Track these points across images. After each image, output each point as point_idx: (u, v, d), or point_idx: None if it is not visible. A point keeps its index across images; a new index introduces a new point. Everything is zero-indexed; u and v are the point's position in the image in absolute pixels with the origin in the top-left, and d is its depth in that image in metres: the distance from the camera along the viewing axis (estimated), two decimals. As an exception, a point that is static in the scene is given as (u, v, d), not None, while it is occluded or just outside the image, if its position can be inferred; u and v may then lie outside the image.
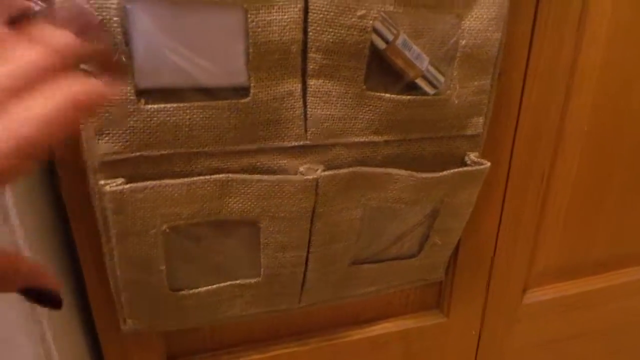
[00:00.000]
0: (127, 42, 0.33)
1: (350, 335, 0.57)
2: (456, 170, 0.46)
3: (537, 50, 0.48)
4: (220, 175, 0.39)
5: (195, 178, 0.39)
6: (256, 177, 0.40)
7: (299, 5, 0.36)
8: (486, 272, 0.60)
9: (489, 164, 0.47)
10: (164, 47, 0.34)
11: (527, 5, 0.46)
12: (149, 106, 0.36)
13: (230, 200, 0.40)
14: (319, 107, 0.40)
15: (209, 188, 0.39)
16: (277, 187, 0.41)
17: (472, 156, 0.47)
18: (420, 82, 0.42)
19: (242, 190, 0.40)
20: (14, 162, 0.19)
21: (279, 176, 0.41)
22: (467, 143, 0.47)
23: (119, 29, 0.32)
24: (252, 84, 0.37)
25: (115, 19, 0.32)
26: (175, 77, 0.36)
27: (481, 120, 0.46)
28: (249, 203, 0.41)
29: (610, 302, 0.65)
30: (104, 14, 0.32)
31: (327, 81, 0.40)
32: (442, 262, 0.54)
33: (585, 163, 0.54)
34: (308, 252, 0.46)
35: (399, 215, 0.48)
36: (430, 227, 0.50)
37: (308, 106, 0.40)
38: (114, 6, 0.32)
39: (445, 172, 0.45)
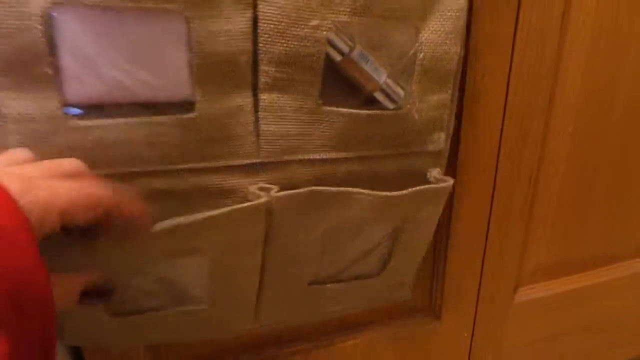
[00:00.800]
0: (53, 52, 0.30)
1: (341, 342, 0.55)
2: (418, 188, 0.44)
3: (520, 51, 0.47)
4: (165, 224, 0.35)
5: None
6: (200, 215, 0.36)
7: (247, 15, 0.34)
8: (477, 273, 0.59)
9: (452, 181, 0.45)
10: (96, 58, 0.31)
11: (509, 6, 0.45)
12: (83, 122, 0.33)
13: (175, 232, 0.36)
14: (272, 123, 0.38)
15: (153, 239, 0.35)
16: (226, 214, 0.38)
17: (435, 173, 0.46)
18: (378, 96, 0.40)
19: (187, 230, 0.37)
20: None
21: (226, 208, 0.37)
22: (430, 159, 0.46)
23: (42, 38, 0.29)
24: (197, 98, 0.35)
25: (38, 27, 0.29)
26: (110, 90, 0.32)
27: (442, 135, 0.44)
28: (197, 233, 0.37)
29: (601, 299, 0.65)
30: (25, 22, 0.28)
31: (281, 95, 0.37)
32: (407, 280, 0.52)
33: (571, 164, 0.54)
34: (262, 275, 0.43)
35: (360, 233, 0.46)
36: (393, 244, 0.48)
37: (260, 122, 0.38)
38: (36, 13, 0.29)
39: (407, 191, 0.43)
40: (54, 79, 0.31)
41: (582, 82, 0.51)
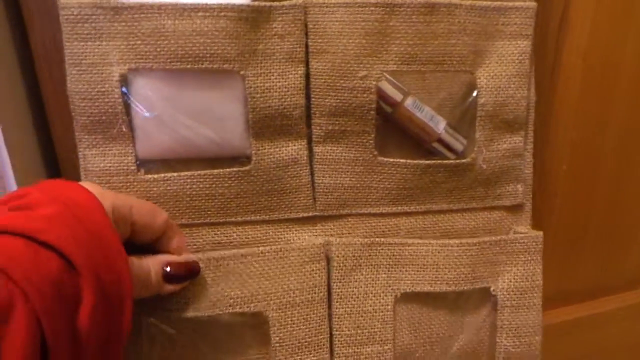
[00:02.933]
0: (128, 112, 0.34)
1: None
2: (499, 237, 0.39)
3: None
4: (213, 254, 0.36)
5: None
6: (255, 249, 0.37)
7: (300, 71, 0.36)
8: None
9: (541, 234, 0.40)
10: (163, 117, 0.34)
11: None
12: (149, 176, 0.36)
13: (226, 286, 0.36)
14: (327, 175, 0.38)
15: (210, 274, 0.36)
16: (280, 257, 0.37)
17: (519, 229, 0.41)
18: (437, 146, 0.38)
19: (241, 270, 0.37)
20: None
21: (281, 245, 0.37)
22: (509, 215, 0.41)
23: (119, 99, 0.34)
24: (253, 151, 0.36)
25: (116, 90, 0.34)
26: (174, 146, 0.35)
27: (520, 187, 0.40)
28: (252, 286, 0.37)
29: (598, 330, 0.61)
30: (105, 85, 0.33)
31: (335, 147, 0.37)
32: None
33: (566, 198, 0.51)
34: (331, 355, 0.39)
35: (447, 308, 0.41)
36: (493, 326, 0.41)
37: (315, 174, 0.38)
38: (115, 77, 0.33)
39: (486, 238, 0.39)
40: (128, 136, 0.35)
41: (574, 123, 0.47)
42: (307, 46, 0.36)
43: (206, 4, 0.33)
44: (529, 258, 0.40)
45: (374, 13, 0.35)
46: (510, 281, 0.40)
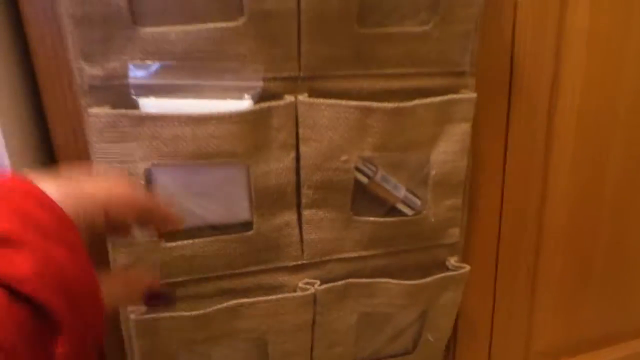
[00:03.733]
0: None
1: None
2: (439, 276, 0.51)
3: (511, 165, 0.54)
4: (230, 303, 0.45)
5: (208, 310, 0.44)
6: (262, 298, 0.46)
7: (292, 155, 0.44)
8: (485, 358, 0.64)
9: (468, 267, 0.52)
10: (181, 198, 0.41)
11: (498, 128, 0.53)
12: (169, 244, 0.43)
13: (239, 322, 0.46)
14: (312, 233, 0.47)
15: (220, 315, 0.45)
16: (280, 304, 0.47)
17: (453, 261, 0.53)
18: (400, 206, 0.48)
19: (250, 313, 0.46)
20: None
21: (280, 295, 0.47)
22: (447, 250, 0.53)
23: (144, 187, 0.40)
24: (255, 220, 0.44)
25: (141, 182, 0.40)
26: (192, 220, 0.43)
27: (457, 230, 0.52)
28: (257, 321, 0.47)
29: None
30: (133, 177, 0.39)
31: (319, 211, 0.46)
32: (437, 356, 0.58)
33: (567, 254, 0.59)
34: (311, 357, 0.51)
35: (392, 318, 0.53)
36: (422, 326, 0.55)
37: (303, 232, 0.47)
38: (140, 172, 0.39)
39: (429, 279, 0.51)
40: (150, 215, 0.41)
41: (570, 179, 0.55)
42: (297, 134, 0.44)
43: (219, 113, 0.39)
44: (458, 287, 0.53)
45: (354, 113, 0.43)
46: (440, 300, 0.53)
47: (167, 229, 0.35)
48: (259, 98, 0.41)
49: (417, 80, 0.46)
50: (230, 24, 0.40)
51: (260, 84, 0.41)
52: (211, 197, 0.43)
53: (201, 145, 0.40)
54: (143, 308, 0.44)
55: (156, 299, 0.35)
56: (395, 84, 0.46)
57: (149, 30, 0.38)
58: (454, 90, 0.48)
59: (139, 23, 0.38)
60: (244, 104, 0.40)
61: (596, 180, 0.57)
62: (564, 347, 0.64)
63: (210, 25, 0.39)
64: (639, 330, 0.67)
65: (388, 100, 0.45)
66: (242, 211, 0.44)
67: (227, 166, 0.42)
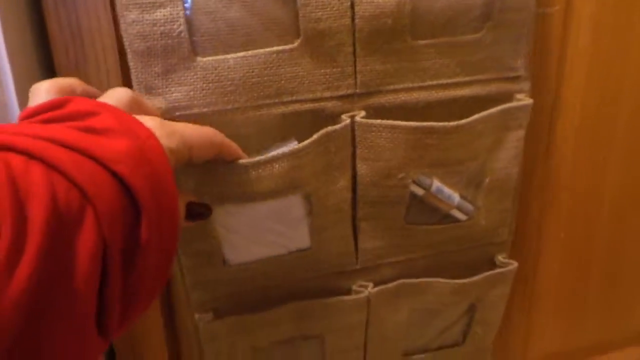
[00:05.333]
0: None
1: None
2: (487, 273, 0.53)
3: None
4: (291, 304, 0.48)
5: (271, 311, 0.47)
6: (321, 300, 0.48)
7: (348, 175, 0.44)
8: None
9: (516, 264, 0.54)
10: (250, 234, 0.43)
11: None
12: (237, 263, 0.45)
13: (300, 323, 0.49)
14: (367, 242, 0.48)
15: (283, 316, 0.48)
16: (337, 306, 0.49)
17: (501, 258, 0.54)
18: (454, 212, 0.49)
19: (310, 313, 0.49)
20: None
21: (336, 298, 0.49)
22: (496, 248, 0.54)
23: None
24: (312, 239, 0.45)
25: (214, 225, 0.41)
26: (261, 253, 0.45)
27: (506, 229, 0.53)
28: (316, 322, 0.49)
29: None
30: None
31: (373, 222, 0.47)
32: (486, 347, 0.61)
33: (565, 263, 0.59)
34: (365, 351, 0.54)
35: (441, 313, 0.55)
36: (471, 319, 0.57)
37: (359, 242, 0.48)
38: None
39: (478, 277, 0.53)
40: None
41: (570, 193, 0.55)
42: (354, 154, 0.43)
43: (281, 154, 0.39)
44: (506, 283, 0.54)
45: (414, 134, 0.42)
46: (488, 296, 0.55)
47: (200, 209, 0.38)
48: (316, 123, 0.41)
49: (473, 88, 0.45)
50: (287, 47, 0.39)
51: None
52: (270, 230, 0.43)
53: (264, 186, 0.40)
54: (210, 315, 0.47)
55: (197, 215, 0.38)
56: (451, 93, 0.45)
57: (208, 59, 0.38)
58: (510, 95, 0.46)
59: (198, 53, 0.38)
60: (292, 145, 0.40)
61: (595, 190, 0.57)
62: (562, 354, 0.65)
63: (268, 49, 0.39)
64: (638, 337, 0.67)
65: (445, 110, 0.45)
66: (301, 238, 0.45)
67: (289, 198, 0.42)
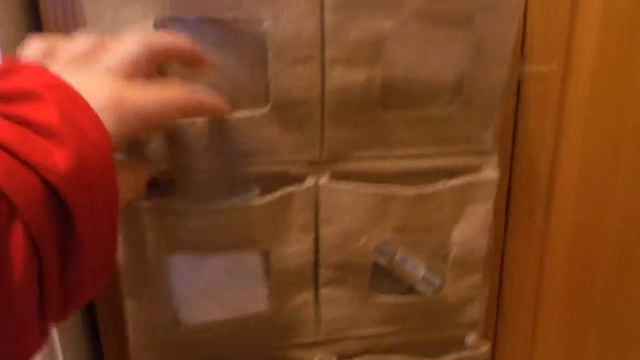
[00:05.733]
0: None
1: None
2: (456, 355, 0.50)
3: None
4: None
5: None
6: None
7: (311, 236, 0.44)
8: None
9: (488, 345, 0.51)
10: (206, 290, 0.42)
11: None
12: (192, 323, 0.43)
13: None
14: (329, 311, 0.47)
15: None
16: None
17: (471, 339, 0.52)
18: (419, 285, 0.48)
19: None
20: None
21: None
22: (465, 327, 0.52)
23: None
24: (271, 302, 0.44)
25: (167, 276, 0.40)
26: (217, 314, 0.43)
27: (476, 308, 0.51)
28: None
29: None
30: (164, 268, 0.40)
31: (336, 289, 0.46)
32: None
33: (564, 315, 0.59)
34: None
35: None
36: None
37: (321, 311, 0.46)
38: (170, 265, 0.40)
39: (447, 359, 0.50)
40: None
41: (569, 249, 0.56)
42: (317, 215, 0.44)
43: (241, 205, 0.39)
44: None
45: (375, 199, 0.43)
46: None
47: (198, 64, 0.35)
48: (280, 183, 0.42)
49: (440, 159, 0.46)
50: (256, 112, 0.40)
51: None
52: (227, 288, 0.43)
53: (223, 236, 0.40)
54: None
55: (157, 188, 0.36)
56: (418, 164, 0.45)
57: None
58: (477, 168, 0.47)
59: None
60: (254, 194, 0.41)
61: (595, 241, 0.57)
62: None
63: (237, 114, 0.40)
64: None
65: (410, 180, 0.45)
66: (259, 300, 0.44)
67: (242, 254, 0.42)
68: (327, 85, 0.40)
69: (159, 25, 0.37)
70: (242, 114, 0.40)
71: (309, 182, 0.42)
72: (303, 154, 0.42)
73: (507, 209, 0.54)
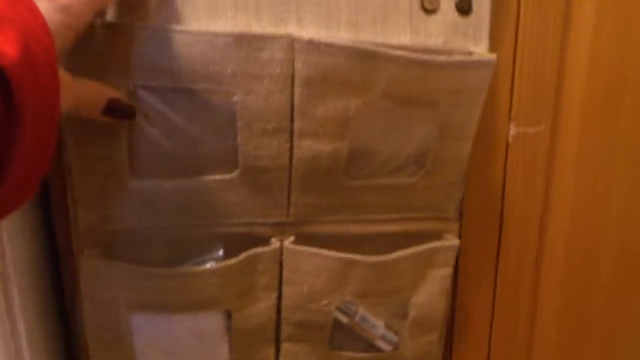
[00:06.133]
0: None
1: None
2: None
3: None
4: None
5: None
6: None
7: (273, 296, 0.45)
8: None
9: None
10: (169, 347, 0.43)
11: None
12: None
13: None
14: (290, 366, 0.48)
15: None
16: None
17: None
18: (378, 343, 0.49)
19: None
20: None
21: None
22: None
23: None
24: (231, 358, 0.45)
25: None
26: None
27: (433, 364, 0.53)
28: None
29: None
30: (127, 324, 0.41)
31: (296, 345, 0.48)
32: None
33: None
34: None
35: None
36: None
37: (281, 364, 0.48)
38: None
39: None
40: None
41: (560, 300, 0.57)
42: (280, 276, 0.45)
43: (205, 268, 0.41)
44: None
45: (337, 264, 0.44)
46: None
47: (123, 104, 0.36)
48: (245, 243, 0.43)
49: (403, 224, 0.48)
50: (225, 176, 0.41)
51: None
52: (189, 345, 0.44)
53: (186, 297, 0.41)
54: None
55: (116, 111, 0.36)
56: (381, 228, 0.47)
57: (145, 183, 0.40)
58: (439, 234, 0.49)
59: (136, 176, 0.40)
60: (218, 254, 0.42)
61: (586, 295, 0.58)
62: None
63: (205, 177, 0.41)
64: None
65: (374, 243, 0.47)
66: (221, 356, 0.45)
67: (206, 314, 0.43)
68: (294, 154, 0.41)
69: (132, 92, 0.38)
70: (211, 177, 0.41)
71: (274, 244, 0.44)
72: (269, 217, 0.44)
73: (496, 266, 0.55)
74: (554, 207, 0.55)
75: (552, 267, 0.57)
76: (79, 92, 0.33)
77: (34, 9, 0.27)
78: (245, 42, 0.36)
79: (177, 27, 0.36)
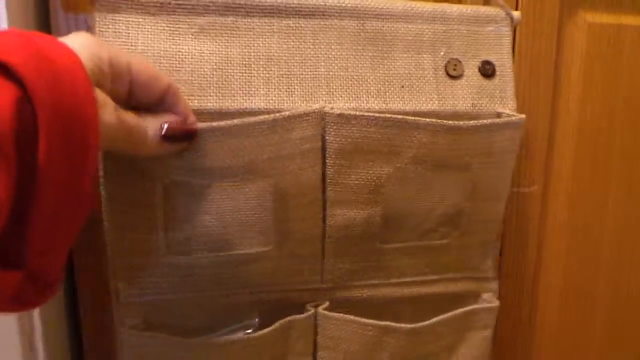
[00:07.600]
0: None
1: None
2: None
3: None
4: None
5: None
6: None
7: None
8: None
9: None
10: None
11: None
12: None
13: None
14: None
15: None
16: None
17: None
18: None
19: None
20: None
21: None
22: None
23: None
24: None
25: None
26: None
27: None
28: None
29: None
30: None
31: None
32: None
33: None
34: None
35: None
36: None
37: None
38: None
39: None
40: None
41: (554, 348, 0.57)
42: (314, 342, 0.44)
43: (234, 338, 0.41)
44: None
45: (372, 330, 0.44)
46: None
47: (182, 127, 0.34)
48: (280, 308, 0.43)
49: (440, 285, 0.47)
50: (261, 250, 0.41)
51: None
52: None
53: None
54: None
55: (178, 135, 0.34)
56: (418, 290, 0.46)
57: (182, 258, 0.41)
58: (477, 294, 0.48)
59: (173, 252, 0.41)
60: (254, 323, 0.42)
61: (582, 345, 0.60)
62: None
63: (241, 251, 0.41)
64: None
65: (410, 306, 0.46)
66: None
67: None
68: (327, 223, 0.42)
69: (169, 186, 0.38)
70: (247, 251, 0.41)
71: (310, 310, 0.44)
72: (304, 284, 0.44)
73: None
74: (546, 259, 0.57)
75: (547, 321, 0.58)
76: (127, 117, 0.30)
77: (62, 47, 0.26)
78: (278, 126, 0.37)
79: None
